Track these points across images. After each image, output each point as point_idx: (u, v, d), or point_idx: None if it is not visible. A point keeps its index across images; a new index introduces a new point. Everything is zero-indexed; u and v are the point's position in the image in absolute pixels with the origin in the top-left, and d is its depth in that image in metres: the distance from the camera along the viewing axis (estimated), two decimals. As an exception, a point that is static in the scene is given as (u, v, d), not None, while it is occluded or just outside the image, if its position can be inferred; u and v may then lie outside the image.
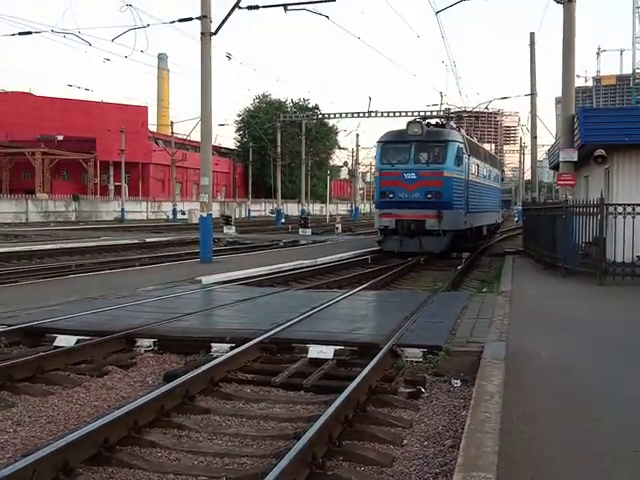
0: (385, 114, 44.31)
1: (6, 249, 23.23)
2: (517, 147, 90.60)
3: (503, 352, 7.21)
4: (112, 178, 72.16)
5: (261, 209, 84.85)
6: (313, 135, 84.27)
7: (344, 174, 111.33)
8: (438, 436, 5.46)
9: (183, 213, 59.26)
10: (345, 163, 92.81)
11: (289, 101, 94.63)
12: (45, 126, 69.44)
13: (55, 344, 8.14)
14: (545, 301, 11.73)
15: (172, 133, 64.46)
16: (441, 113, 27.44)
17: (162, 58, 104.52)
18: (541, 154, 55.01)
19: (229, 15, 18.48)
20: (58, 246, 24.94)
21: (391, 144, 22.40)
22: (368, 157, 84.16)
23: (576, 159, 16.96)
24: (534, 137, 38.62)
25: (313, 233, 37.06)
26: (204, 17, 18.13)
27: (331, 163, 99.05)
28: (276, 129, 55.31)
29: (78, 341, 8.13)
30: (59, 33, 23.01)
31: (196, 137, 38.72)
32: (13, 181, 66.37)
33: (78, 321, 9.03)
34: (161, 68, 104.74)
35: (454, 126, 24.84)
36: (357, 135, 74.95)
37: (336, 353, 7.64)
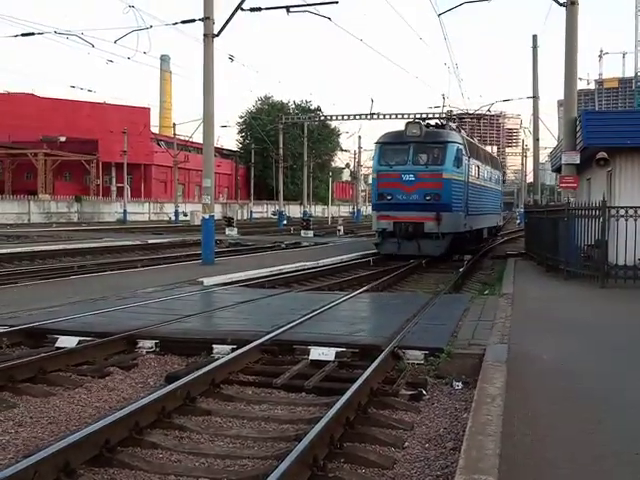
0: (387, 116, 44.37)
1: (8, 250, 23.27)
2: (519, 149, 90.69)
3: (505, 354, 7.20)
4: (114, 179, 72.29)
5: (263, 211, 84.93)
6: (315, 137, 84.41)
7: (346, 176, 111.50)
8: (439, 438, 5.45)
9: (185, 215, 59.32)
10: (347, 165, 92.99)
11: (291, 103, 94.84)
12: (48, 127, 69.57)
13: (57, 345, 8.14)
14: (547, 304, 11.72)
15: (174, 134, 64.50)
16: (443, 115, 27.10)
17: (165, 60, 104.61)
18: (543, 156, 54.93)
19: (232, 17, 18.51)
20: (60, 247, 24.96)
21: (389, 145, 22.09)
22: (370, 159, 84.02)
23: (578, 162, 16.96)
24: (536, 139, 38.63)
25: (315, 235, 37.07)
26: (207, 19, 18.14)
27: (333, 165, 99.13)
28: (278, 131, 55.39)
29: (80, 342, 8.13)
30: (62, 34, 23.06)
31: (198, 138, 38.83)
32: (15, 182, 66.50)
33: (80, 322, 9.04)
34: (163, 70, 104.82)
35: (454, 127, 24.51)
36: (359, 137, 74.79)
37: (337, 355, 7.64)
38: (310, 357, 7.67)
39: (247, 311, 10.63)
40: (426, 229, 20.84)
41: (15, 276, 16.76)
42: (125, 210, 59.79)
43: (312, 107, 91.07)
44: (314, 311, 10.14)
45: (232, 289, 13.74)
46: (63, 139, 70.09)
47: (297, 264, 18.53)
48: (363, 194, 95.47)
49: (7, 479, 3.98)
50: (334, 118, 52.47)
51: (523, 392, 5.94)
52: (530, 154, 58.70)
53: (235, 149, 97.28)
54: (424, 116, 34.11)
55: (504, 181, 42.50)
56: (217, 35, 18.29)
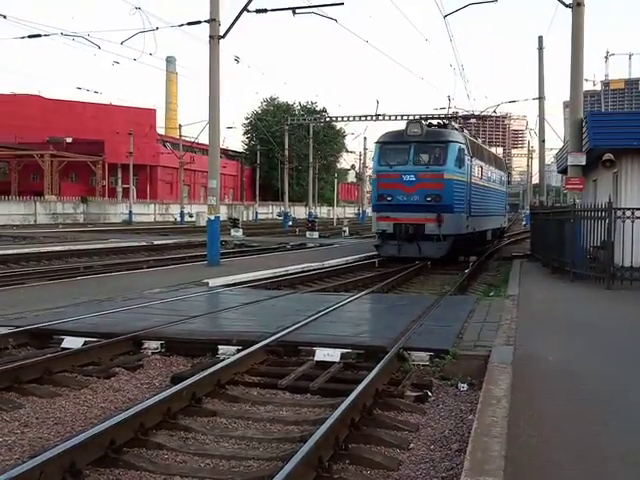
0: (393, 117, 44.29)
1: (15, 251, 23.34)
2: (525, 151, 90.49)
3: (510, 356, 7.19)
4: (120, 180, 72.48)
5: (268, 212, 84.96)
6: (321, 138, 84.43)
7: (351, 177, 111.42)
8: (445, 440, 5.44)
9: (191, 216, 59.39)
10: (352, 166, 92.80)
11: (297, 104, 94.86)
12: (54, 128, 69.79)
13: (62, 346, 8.16)
14: (553, 305, 11.69)
15: (180, 136, 64.64)
16: (449, 116, 26.76)
17: (170, 61, 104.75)
18: (549, 158, 54.94)
19: (237, 18, 18.53)
20: (66, 248, 25.03)
21: (389, 145, 21.67)
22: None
23: (584, 163, 16.92)
24: (542, 141, 38.54)
25: (320, 236, 37.09)
26: (213, 20, 18.17)
27: (338, 166, 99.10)
28: (284, 132, 55.43)
29: (85, 343, 8.16)
30: (68, 36, 23.09)
31: (204, 140, 38.82)
32: (22, 183, 66.69)
33: (85, 323, 9.06)
34: (169, 71, 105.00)
35: (456, 126, 24.06)
36: (365, 138, 74.74)
37: (343, 356, 7.64)
38: (315, 358, 7.68)
39: (252, 312, 10.64)
40: (427, 231, 20.44)
41: (21, 277, 16.82)
42: (131, 211, 59.92)
43: (318, 108, 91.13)
44: (319, 312, 10.14)
45: (237, 290, 13.75)
46: (69, 140, 70.29)
47: (302, 265, 18.54)
48: (368, 195, 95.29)
49: (13, 479, 3.99)
50: (339, 119, 52.44)
51: (529, 393, 5.93)
52: (536, 155, 58.55)
53: (241, 150, 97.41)
54: (429, 117, 33.76)
55: (509, 182, 42.18)
56: (223, 37, 18.32)
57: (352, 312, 11.10)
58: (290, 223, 52.26)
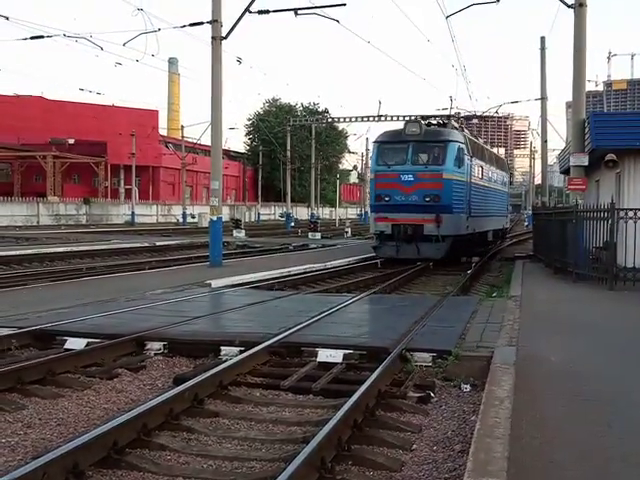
0: (395, 118, 44.26)
1: (17, 252, 23.37)
2: (527, 151, 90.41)
3: (513, 357, 7.18)
4: (123, 181, 72.57)
5: (271, 213, 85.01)
6: (323, 139, 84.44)
7: (354, 178, 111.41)
8: (447, 441, 5.44)
9: (193, 217, 59.46)
10: (355, 167, 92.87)
11: (299, 105, 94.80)
12: (56, 129, 69.89)
13: (65, 347, 8.17)
14: (555, 306, 11.68)
15: (182, 137, 64.73)
16: (453, 119, 26.42)
17: (173, 62, 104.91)
18: (551, 158, 54.81)
19: (239, 19, 18.55)
20: (69, 249, 25.05)
21: (387, 144, 21.37)
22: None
23: (587, 163, 16.90)
24: (544, 141, 38.53)
25: (323, 237, 37.08)
26: (215, 21, 18.18)
27: (341, 167, 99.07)
28: (286, 133, 55.51)
29: (88, 344, 8.16)
30: (71, 37, 23.15)
31: (206, 141, 38.96)
32: (25, 184, 66.79)
33: (88, 324, 9.07)
34: (172, 72, 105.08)
35: (456, 126, 23.64)
36: (367, 139, 74.58)
37: (345, 357, 7.64)
38: (318, 359, 7.67)
39: (255, 313, 10.64)
40: (425, 231, 20.15)
41: (24, 278, 16.84)
42: (133, 212, 59.97)
43: (320, 109, 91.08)
44: (322, 313, 10.14)
45: (240, 291, 13.75)
46: (72, 141, 70.40)
47: (305, 266, 18.54)
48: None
49: (16, 480, 4.00)
50: (342, 120, 52.47)
51: (531, 394, 5.92)
52: (538, 156, 58.56)
53: (243, 151, 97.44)
54: (429, 117, 33.40)
55: (511, 183, 42.11)
56: (225, 38, 18.33)
57: (354, 313, 11.09)
58: (292, 224, 52.30)
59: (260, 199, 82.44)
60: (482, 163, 25.11)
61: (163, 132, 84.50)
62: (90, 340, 8.26)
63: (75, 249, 25.19)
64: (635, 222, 13.53)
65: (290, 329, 8.73)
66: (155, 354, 8.18)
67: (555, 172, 66.88)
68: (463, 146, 21.43)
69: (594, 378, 6.64)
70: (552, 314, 10.72)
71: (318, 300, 12.41)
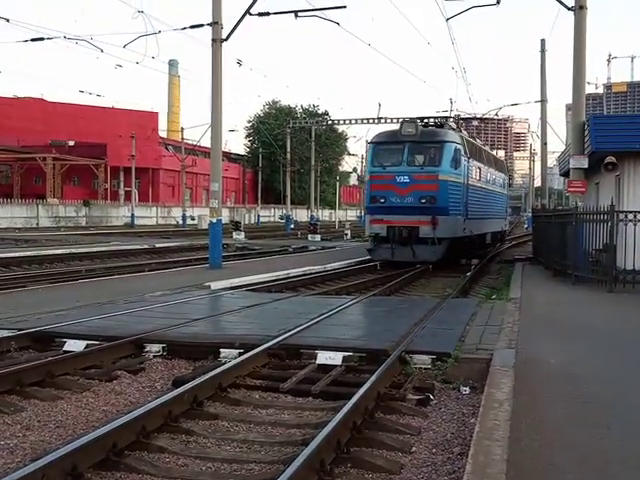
0: (395, 120, 44.26)
1: (17, 254, 23.36)
2: (527, 154, 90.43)
3: (512, 359, 7.18)
4: (122, 183, 72.60)
5: (270, 215, 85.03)
6: (323, 141, 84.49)
7: (353, 180, 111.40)
8: (447, 443, 5.44)
9: (193, 219, 59.45)
10: (354, 169, 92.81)
11: (299, 107, 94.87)
12: (56, 131, 69.96)
13: (64, 349, 8.16)
14: (555, 308, 11.68)
15: (182, 139, 64.72)
16: (451, 119, 26.14)
17: (173, 64, 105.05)
18: (551, 161, 54.95)
19: (240, 22, 18.56)
20: (68, 251, 25.06)
21: (383, 145, 21.02)
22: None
23: (586, 166, 16.91)
24: (544, 144, 38.60)
25: (322, 239, 37.08)
26: (215, 23, 18.19)
27: (340, 169, 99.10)
28: (286, 135, 55.53)
29: (87, 346, 8.16)
30: (71, 39, 23.17)
31: (206, 143, 38.97)
32: (24, 186, 66.86)
33: (87, 326, 9.06)
34: (172, 74, 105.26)
35: (453, 126, 23.29)
36: (366, 141, 74.43)
37: (345, 359, 7.64)
38: (317, 361, 7.67)
39: (254, 315, 10.64)
40: (421, 234, 19.79)
41: (24, 280, 16.83)
42: (133, 214, 59.95)
43: (320, 111, 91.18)
44: (321, 315, 10.14)
45: (239, 293, 13.75)
46: (71, 143, 70.45)
47: (304, 268, 18.53)
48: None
49: (15, 482, 3.99)
50: (341, 122, 52.55)
51: (531, 397, 5.92)
52: (538, 158, 58.58)
53: (243, 153, 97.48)
54: (426, 117, 33.01)
55: (510, 184, 41.90)
56: (225, 40, 18.34)
57: (354, 315, 11.09)
58: (292, 226, 52.28)
59: (260, 201, 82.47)
60: (480, 164, 24.82)
61: (163, 134, 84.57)
62: (89, 342, 8.25)
63: (74, 251, 25.20)
64: (635, 224, 13.53)
65: (289, 331, 8.73)
66: (154, 356, 8.18)
67: (555, 174, 66.89)
68: (460, 147, 21.14)
69: (593, 380, 6.64)
70: (552, 316, 10.71)
71: (317, 302, 12.40)
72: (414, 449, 5.31)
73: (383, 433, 5.59)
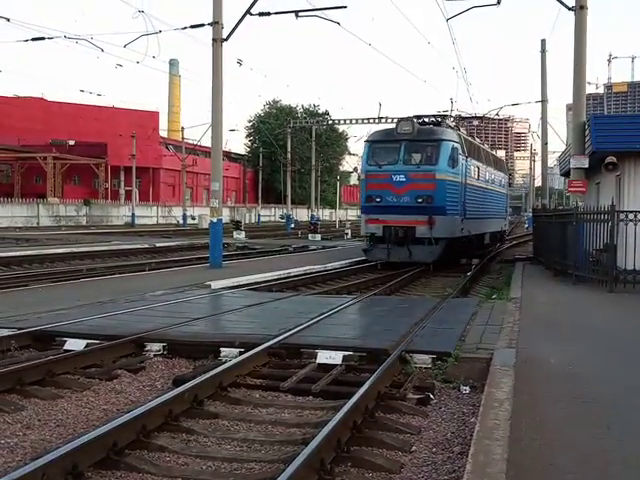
0: (395, 120, 44.27)
1: (17, 253, 23.37)
2: (528, 154, 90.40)
3: (512, 359, 7.18)
4: (123, 183, 72.60)
5: (271, 214, 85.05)
6: (323, 141, 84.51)
7: (354, 180, 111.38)
8: (447, 443, 5.44)
9: (193, 218, 59.48)
10: (355, 169, 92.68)
11: (299, 107, 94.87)
12: (57, 131, 69.98)
13: (65, 348, 8.16)
14: (555, 308, 11.68)
15: (183, 138, 64.72)
16: (451, 119, 25.82)
17: (173, 64, 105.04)
18: (552, 161, 54.95)
19: (240, 21, 18.56)
20: (69, 250, 25.05)
21: (379, 144, 20.72)
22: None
23: (587, 166, 16.91)
24: (545, 144, 38.60)
25: (323, 239, 37.09)
26: (216, 23, 18.19)
27: (341, 169, 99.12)
28: (286, 135, 55.58)
29: (88, 345, 8.16)
30: (72, 39, 23.18)
31: (206, 142, 38.95)
32: (25, 185, 66.86)
33: (88, 325, 9.06)
34: (172, 74, 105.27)
35: (450, 124, 22.93)
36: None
37: (345, 359, 7.64)
38: (317, 361, 7.67)
39: (255, 314, 10.64)
40: (418, 234, 19.51)
41: (24, 279, 16.84)
42: (133, 213, 59.98)
43: (320, 111, 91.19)
44: (322, 315, 10.14)
45: (240, 292, 13.75)
46: (72, 143, 70.47)
47: (305, 268, 18.53)
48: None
49: (15, 481, 3.99)
50: (342, 122, 52.59)
51: (531, 396, 5.92)
52: (538, 158, 58.61)
53: (243, 153, 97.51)
54: (423, 115, 32.40)
55: (511, 184, 41.67)
56: (226, 39, 18.34)
57: (354, 314, 11.09)
58: (292, 226, 52.30)
59: (260, 201, 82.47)
60: (478, 163, 24.51)
61: (163, 133, 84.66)
62: (90, 341, 8.26)
63: (75, 250, 25.19)
64: (635, 224, 13.52)
65: (290, 330, 8.73)
66: (155, 355, 8.18)
67: (555, 174, 66.93)
68: (457, 145, 20.84)
69: (594, 380, 6.64)
70: (552, 316, 10.71)
71: (318, 302, 12.41)
72: (414, 448, 5.32)
73: (383, 432, 5.60)
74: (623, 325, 10.19)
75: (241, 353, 7.73)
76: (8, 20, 21.40)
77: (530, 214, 50.62)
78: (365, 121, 47.42)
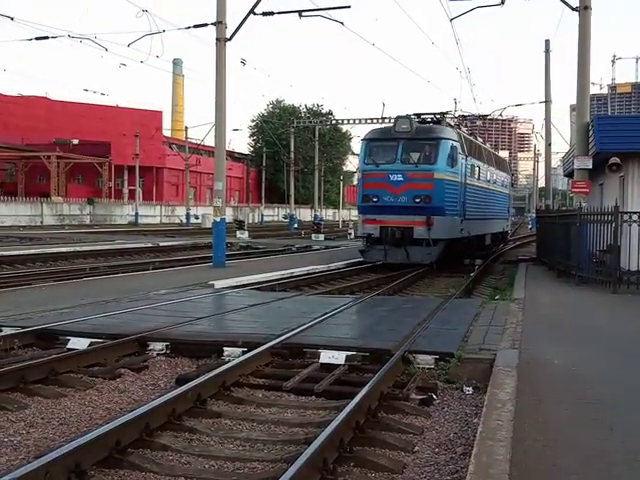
0: (397, 120, 44.24)
1: (21, 252, 23.42)
2: (531, 154, 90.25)
3: (515, 359, 7.18)
4: (126, 182, 72.74)
5: (274, 214, 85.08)
6: (326, 141, 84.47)
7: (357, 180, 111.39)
8: (449, 443, 5.44)
9: (196, 217, 59.53)
10: (358, 169, 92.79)
11: (303, 107, 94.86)
12: (60, 130, 70.08)
13: (68, 346, 8.17)
14: (558, 309, 11.67)
15: (186, 138, 64.81)
16: (452, 118, 25.38)
17: (177, 63, 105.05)
18: (555, 161, 54.82)
19: (244, 21, 18.57)
20: (72, 249, 25.08)
21: (376, 142, 20.22)
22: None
23: (591, 167, 16.89)
24: (548, 144, 38.50)
25: (326, 238, 37.12)
26: (219, 23, 18.20)
27: (344, 169, 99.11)
28: (290, 134, 55.55)
29: (91, 344, 8.17)
30: (75, 38, 23.15)
31: (210, 142, 38.85)
32: (28, 184, 66.94)
33: (91, 324, 9.08)
34: (176, 73, 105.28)
35: (450, 123, 22.46)
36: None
37: (348, 359, 7.63)
38: (320, 360, 7.67)
39: (258, 314, 10.65)
40: (415, 235, 19.02)
41: (28, 278, 16.86)
42: (137, 213, 60.06)
43: (323, 111, 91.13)
44: (325, 314, 10.14)
45: (243, 292, 13.76)
46: (76, 142, 70.55)
47: (308, 267, 18.53)
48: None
49: (18, 479, 4.00)
50: (345, 122, 52.56)
51: (534, 397, 5.91)
52: (542, 159, 58.47)
53: (247, 152, 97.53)
54: (422, 114, 31.64)
55: (513, 184, 41.30)
56: (229, 39, 18.35)
57: (357, 315, 11.09)
58: (296, 225, 52.37)
59: (264, 200, 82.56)
60: (479, 163, 24.12)
61: (167, 133, 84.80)
62: (93, 340, 8.27)
63: (78, 249, 25.22)
64: (639, 225, 13.51)
65: (293, 330, 8.73)
66: (158, 354, 8.19)
67: (559, 175, 66.77)
68: (457, 144, 20.41)
69: (597, 381, 6.63)
70: (555, 317, 10.70)
71: (321, 301, 12.41)
72: (417, 449, 5.31)
73: (386, 432, 5.59)
74: (626, 326, 10.18)
75: (244, 353, 7.73)
76: (12, 19, 21.43)
77: (534, 215, 50.55)
78: (368, 121, 47.39)
